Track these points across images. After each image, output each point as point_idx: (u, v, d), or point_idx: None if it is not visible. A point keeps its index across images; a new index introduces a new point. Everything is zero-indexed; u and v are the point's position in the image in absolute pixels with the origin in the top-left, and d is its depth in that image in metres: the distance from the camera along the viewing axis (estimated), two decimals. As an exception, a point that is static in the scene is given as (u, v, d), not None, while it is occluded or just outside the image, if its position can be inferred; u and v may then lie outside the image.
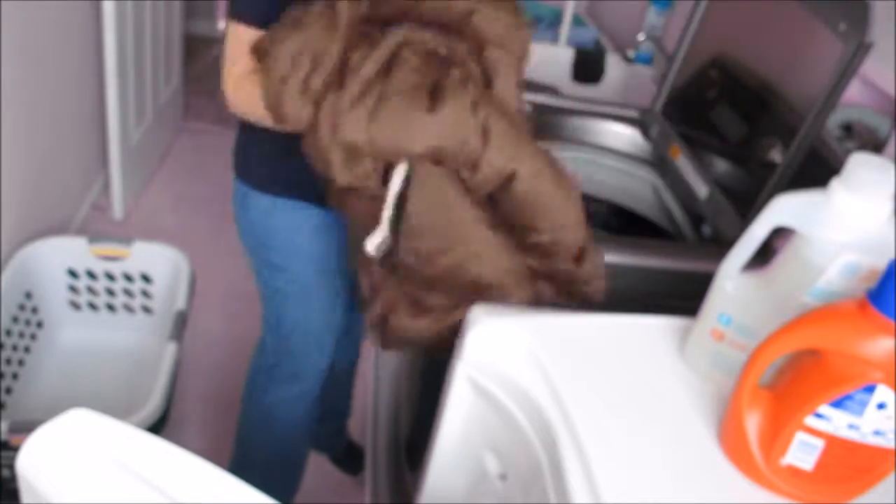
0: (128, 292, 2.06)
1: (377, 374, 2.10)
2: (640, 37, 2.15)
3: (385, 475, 1.81)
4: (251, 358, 1.63)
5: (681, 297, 1.05)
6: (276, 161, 1.34)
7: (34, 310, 1.99)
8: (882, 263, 0.77)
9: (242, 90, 1.15)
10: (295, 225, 1.40)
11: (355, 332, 1.75)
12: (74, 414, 0.70)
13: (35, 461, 0.67)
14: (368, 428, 1.98)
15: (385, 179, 1.03)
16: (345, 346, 1.75)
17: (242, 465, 1.65)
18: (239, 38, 1.14)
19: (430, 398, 1.14)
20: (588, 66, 2.23)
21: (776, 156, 1.27)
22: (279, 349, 1.54)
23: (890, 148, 1.29)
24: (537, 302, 1.09)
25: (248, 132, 1.35)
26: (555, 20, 2.52)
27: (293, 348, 1.53)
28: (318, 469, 1.94)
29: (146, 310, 2.08)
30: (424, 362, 1.51)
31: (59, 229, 2.28)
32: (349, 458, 1.98)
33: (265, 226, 1.41)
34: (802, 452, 0.81)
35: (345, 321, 1.56)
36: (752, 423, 0.83)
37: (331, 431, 1.95)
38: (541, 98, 1.66)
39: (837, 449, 0.80)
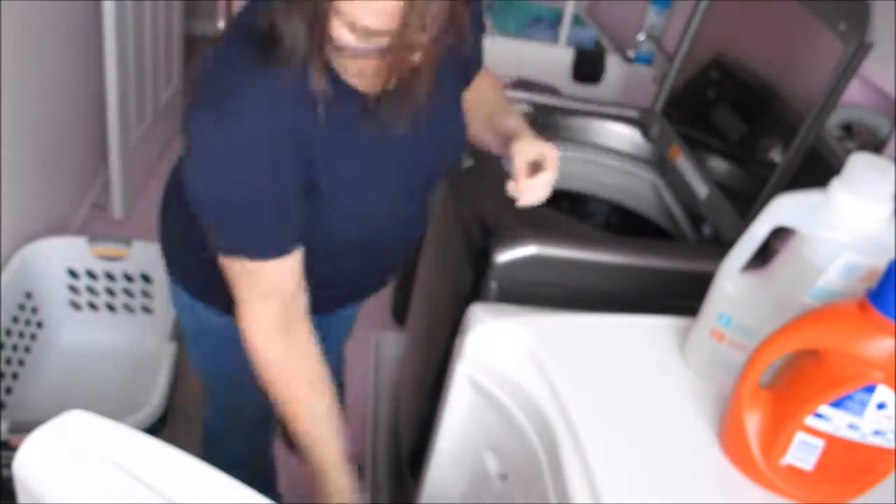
0: (128, 292, 2.06)
1: (376, 383, 2.10)
2: (640, 37, 2.15)
3: (386, 484, 1.81)
4: (204, 422, 1.52)
5: (681, 297, 1.05)
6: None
7: (34, 310, 1.99)
8: (882, 263, 0.77)
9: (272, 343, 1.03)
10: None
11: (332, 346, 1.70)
12: (70, 416, 0.70)
13: (31, 463, 0.67)
14: (368, 436, 1.97)
15: None
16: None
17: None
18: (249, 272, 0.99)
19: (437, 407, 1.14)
20: (588, 66, 2.23)
21: (776, 156, 1.27)
22: (230, 418, 1.45)
23: (890, 148, 1.29)
24: None
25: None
26: (555, 20, 2.52)
27: (242, 426, 1.46)
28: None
29: (146, 310, 2.08)
30: (437, 370, 1.51)
31: (59, 229, 2.28)
32: None
33: (233, 337, 1.18)
34: (802, 452, 0.81)
35: None
36: (752, 423, 0.83)
37: None
38: (541, 98, 1.66)
39: (837, 449, 0.80)
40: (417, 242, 1.27)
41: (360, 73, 0.95)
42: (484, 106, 1.21)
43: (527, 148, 1.07)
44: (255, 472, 1.61)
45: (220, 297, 1.09)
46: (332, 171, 0.98)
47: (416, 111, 0.96)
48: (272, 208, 0.96)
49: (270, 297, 1.01)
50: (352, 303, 1.37)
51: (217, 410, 1.47)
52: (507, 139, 1.12)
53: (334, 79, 0.93)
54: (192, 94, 0.94)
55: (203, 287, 1.21)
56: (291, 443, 1.91)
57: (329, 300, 1.21)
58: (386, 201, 1.07)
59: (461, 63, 1.12)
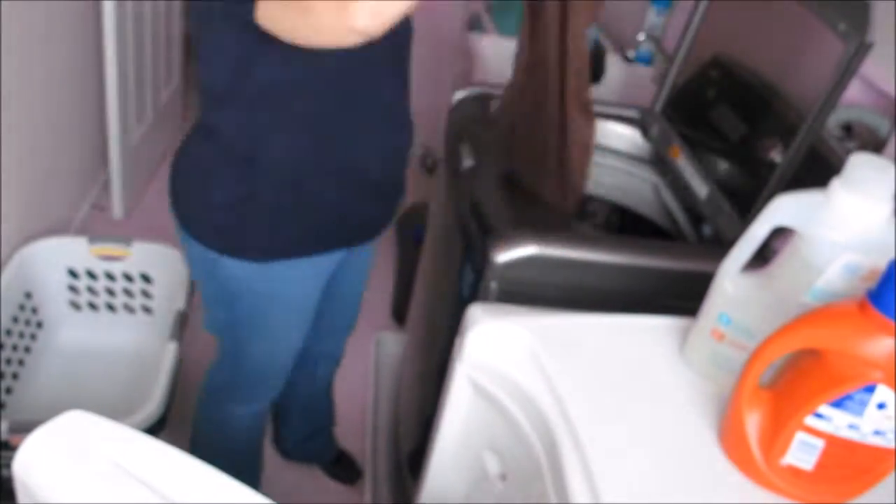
0: (128, 292, 2.06)
1: (376, 383, 2.10)
2: (640, 37, 2.15)
3: (386, 484, 1.81)
4: (206, 372, 1.60)
5: (681, 297, 1.05)
6: (276, 221, 1.23)
7: (34, 310, 1.99)
8: (882, 263, 0.77)
9: None
10: (286, 282, 1.30)
11: (332, 346, 1.72)
12: (70, 416, 0.70)
13: (31, 463, 0.67)
14: (368, 436, 1.97)
15: None
16: (324, 362, 1.74)
17: None
18: None
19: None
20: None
21: (776, 156, 1.27)
22: (237, 374, 1.49)
23: (890, 148, 1.29)
24: None
25: (224, 186, 1.21)
26: (555, 20, 2.52)
27: (252, 378, 1.50)
28: (316, 483, 1.93)
29: (146, 310, 2.08)
30: (437, 370, 1.51)
31: (59, 229, 2.28)
32: (343, 468, 1.97)
33: (244, 290, 1.30)
34: (802, 452, 0.81)
35: (309, 343, 1.51)
36: (752, 423, 0.83)
37: (319, 443, 1.94)
38: (541, 98, 1.66)
39: (837, 449, 0.80)
40: (395, 162, 1.30)
41: None
42: None
43: None
44: (242, 446, 1.65)
45: (232, 241, 1.21)
46: None
47: None
48: None
49: None
50: (353, 235, 1.35)
51: (221, 365, 1.51)
52: None
53: None
54: None
55: (216, 234, 1.25)
56: (286, 452, 1.93)
57: (330, 220, 1.26)
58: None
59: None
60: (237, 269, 1.26)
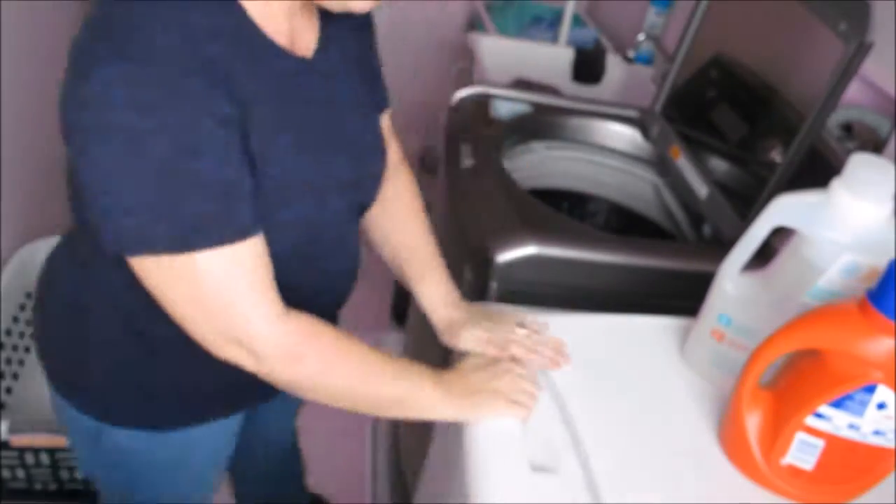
0: (128, 292, 2.06)
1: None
2: (640, 37, 2.15)
3: (385, 484, 1.81)
4: None
5: (681, 297, 1.05)
6: (179, 384, 0.94)
7: (34, 310, 1.99)
8: (882, 263, 0.77)
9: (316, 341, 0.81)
10: (192, 447, 1.03)
11: (282, 427, 1.44)
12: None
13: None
14: (367, 437, 1.98)
15: None
16: (278, 445, 1.46)
17: None
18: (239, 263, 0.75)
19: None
20: (588, 66, 2.23)
21: (776, 156, 1.27)
22: None
23: (890, 148, 1.29)
24: None
25: (123, 353, 0.93)
26: (555, 20, 2.52)
27: None
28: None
29: (146, 310, 2.08)
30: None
31: (59, 229, 2.28)
32: None
33: (139, 463, 1.01)
34: (802, 452, 0.81)
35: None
36: (752, 423, 0.83)
37: (287, 499, 1.60)
38: (541, 98, 1.66)
39: (837, 449, 0.80)
40: (347, 292, 1.06)
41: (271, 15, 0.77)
42: (398, 242, 1.07)
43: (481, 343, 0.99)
44: None
45: (131, 409, 0.94)
46: (267, 133, 0.78)
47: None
48: (223, 171, 0.73)
49: (254, 291, 0.77)
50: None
51: None
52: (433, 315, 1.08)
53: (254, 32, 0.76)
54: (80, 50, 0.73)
55: (109, 397, 0.96)
56: None
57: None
58: (330, 174, 0.87)
59: (376, 89, 0.99)
60: (127, 441, 0.98)
